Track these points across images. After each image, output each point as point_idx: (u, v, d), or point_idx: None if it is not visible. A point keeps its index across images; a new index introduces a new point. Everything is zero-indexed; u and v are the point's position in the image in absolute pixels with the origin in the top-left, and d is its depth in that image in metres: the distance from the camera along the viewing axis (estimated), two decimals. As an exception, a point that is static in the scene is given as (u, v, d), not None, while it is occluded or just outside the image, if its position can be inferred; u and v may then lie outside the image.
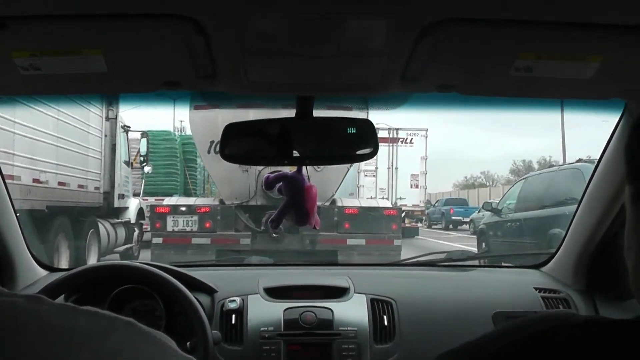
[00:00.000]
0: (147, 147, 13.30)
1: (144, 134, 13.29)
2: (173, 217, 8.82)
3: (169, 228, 8.79)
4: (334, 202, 9.34)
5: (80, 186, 9.85)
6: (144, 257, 10.74)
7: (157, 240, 8.89)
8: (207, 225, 8.75)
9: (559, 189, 9.31)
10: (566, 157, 23.93)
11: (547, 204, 9.51)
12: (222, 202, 9.19)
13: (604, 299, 2.15)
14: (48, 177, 8.53)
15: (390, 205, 10.55)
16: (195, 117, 8.85)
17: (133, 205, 12.86)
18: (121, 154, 11.74)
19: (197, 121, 8.87)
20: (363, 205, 9.72)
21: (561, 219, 8.22)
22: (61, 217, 8.84)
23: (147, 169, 13.73)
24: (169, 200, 9.82)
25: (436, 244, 16.65)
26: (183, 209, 8.92)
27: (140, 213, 13.48)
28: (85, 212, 10.05)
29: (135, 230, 12.73)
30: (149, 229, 14.64)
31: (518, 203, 10.78)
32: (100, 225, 10.46)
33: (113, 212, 11.50)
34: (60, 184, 8.93)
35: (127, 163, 12.49)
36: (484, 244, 11.62)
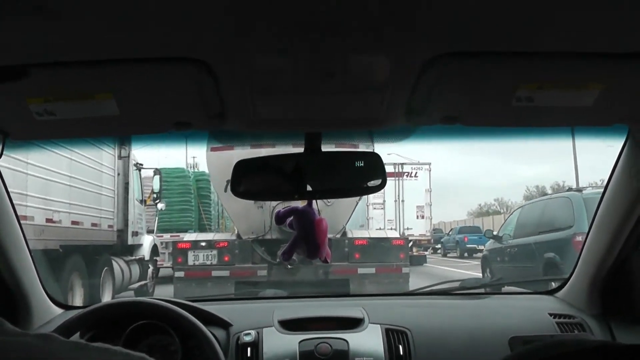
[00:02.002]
0: (160, 184, 13.35)
1: (157, 171, 13.33)
2: (194, 252, 9.25)
3: (190, 262, 9.23)
4: (344, 234, 9.75)
5: (93, 224, 9.81)
6: (159, 293, 10.78)
7: (179, 274, 9.34)
8: (226, 259, 9.19)
9: (551, 216, 9.91)
10: (579, 182, 23.94)
11: (541, 230, 10.05)
12: (239, 236, 9.62)
13: (619, 324, 2.13)
14: (61, 216, 8.51)
15: (398, 236, 10.87)
16: (211, 157, 9.21)
17: (147, 242, 12.80)
18: (134, 192, 11.71)
19: (214, 162, 9.21)
20: (372, 236, 10.11)
21: (553, 244, 9.15)
22: (75, 256, 8.81)
23: (160, 205, 13.73)
24: (189, 236, 10.35)
25: (444, 272, 17.18)
26: (203, 244, 9.35)
27: (154, 250, 13.37)
28: (99, 250, 9.98)
29: (149, 267, 12.66)
30: (164, 265, 14.79)
31: (516, 230, 11.26)
32: (114, 263, 10.42)
33: (127, 250, 11.44)
34: (73, 222, 8.93)
35: (141, 201, 12.44)
36: (487, 270, 12.10)
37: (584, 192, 9.49)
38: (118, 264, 10.60)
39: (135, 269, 11.66)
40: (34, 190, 7.62)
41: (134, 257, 11.77)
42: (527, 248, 10.32)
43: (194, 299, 2.32)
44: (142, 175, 12.73)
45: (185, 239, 9.98)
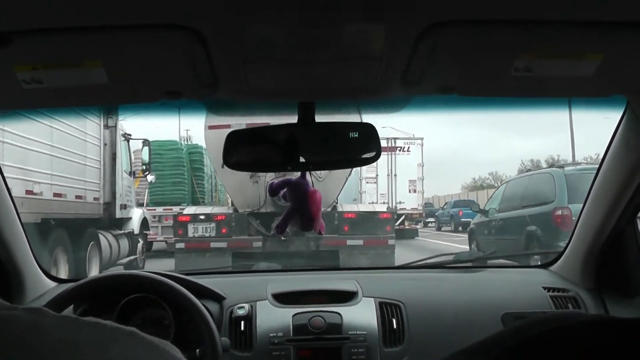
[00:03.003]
0: (150, 156, 13.03)
1: (146, 142, 12.91)
2: (193, 224, 9.88)
3: (190, 234, 9.85)
4: (334, 207, 10.37)
5: (78, 197, 9.55)
6: (153, 267, 10.77)
7: (180, 245, 9.95)
8: (224, 231, 9.84)
9: (534, 191, 10.30)
10: (575, 156, 24.18)
11: (524, 204, 10.47)
12: (235, 210, 10.22)
13: (613, 297, 2.15)
14: (42, 188, 8.24)
15: (385, 209, 11.31)
16: (209, 135, 9.67)
17: (136, 215, 12.56)
18: (122, 163, 11.42)
19: (211, 139, 9.67)
20: (360, 210, 10.76)
21: (535, 218, 9.73)
22: (58, 230, 8.64)
23: (150, 177, 13.61)
24: (188, 210, 10.82)
25: (436, 245, 17.93)
26: (202, 217, 9.98)
27: (144, 223, 13.18)
28: (84, 224, 9.80)
29: (139, 241, 12.45)
30: (157, 239, 14.80)
31: (501, 204, 11.66)
32: (101, 237, 10.21)
33: (115, 223, 11.22)
34: (55, 195, 8.69)
35: (129, 172, 12.17)
36: (474, 243, 12.62)
37: (565, 168, 9.92)
38: (105, 238, 10.41)
39: (124, 243, 11.48)
40: (11, 159, 7.30)
41: (122, 231, 11.55)
42: (511, 221, 10.79)
43: (187, 272, 2.32)
44: (134, 148, 12.59)
45: (185, 212, 10.46)
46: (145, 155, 12.97)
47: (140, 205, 13.80)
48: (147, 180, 13.83)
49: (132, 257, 11.79)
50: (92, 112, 8.90)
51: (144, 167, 13.01)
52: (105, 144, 10.73)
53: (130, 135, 12.09)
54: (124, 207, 11.49)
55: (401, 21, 1.06)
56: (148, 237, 13.87)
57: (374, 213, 10.44)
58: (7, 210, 1.96)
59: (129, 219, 12.10)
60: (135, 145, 12.83)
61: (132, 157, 12.73)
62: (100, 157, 10.60)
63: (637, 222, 2.05)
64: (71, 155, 9.33)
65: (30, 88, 1.22)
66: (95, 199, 10.35)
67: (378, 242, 9.89)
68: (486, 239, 11.94)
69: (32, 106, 1.59)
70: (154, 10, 1.01)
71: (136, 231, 12.33)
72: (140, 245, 12.48)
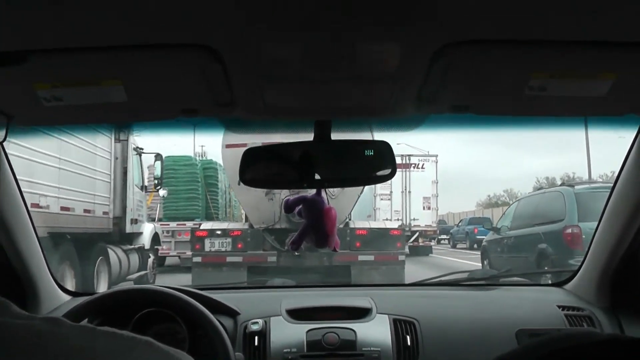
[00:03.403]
0: (162, 170, 12.99)
1: (158, 156, 12.86)
2: (210, 239, 10.21)
3: (207, 248, 10.17)
4: (346, 224, 10.69)
5: (86, 211, 9.41)
6: (166, 282, 10.75)
7: (197, 259, 10.25)
8: (239, 246, 10.14)
9: (545, 209, 10.48)
10: (592, 173, 24.11)
11: (535, 222, 10.60)
12: (251, 226, 10.51)
13: (628, 316, 2.13)
14: (49, 201, 8.15)
15: (396, 226, 11.52)
16: (226, 153, 9.95)
17: (147, 230, 12.46)
18: (133, 177, 11.29)
19: (229, 158, 9.93)
20: (372, 226, 11.09)
21: (545, 236, 9.88)
22: (65, 244, 8.48)
23: (162, 192, 13.57)
24: (205, 225, 11.10)
25: (450, 262, 17.96)
26: (219, 232, 10.30)
27: (156, 238, 13.07)
28: (93, 239, 9.69)
29: (150, 256, 12.33)
30: (170, 254, 14.81)
31: (513, 222, 11.79)
32: (110, 252, 10.08)
33: (125, 238, 11.09)
34: (63, 208, 8.61)
35: (141, 187, 12.07)
36: (486, 260, 12.72)
37: (575, 187, 10.15)
38: (115, 253, 10.30)
39: (135, 258, 11.37)
40: (17, 171, 6.98)
41: (133, 246, 11.44)
42: (523, 239, 10.94)
43: (202, 287, 2.33)
44: (148, 163, 12.60)
45: (202, 227, 10.76)
46: (157, 169, 12.94)
47: (154, 220, 13.74)
48: (159, 195, 13.80)
49: (142, 273, 11.67)
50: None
51: (156, 181, 12.94)
52: (116, 158, 10.69)
53: (142, 149, 12.02)
54: (134, 221, 11.40)
55: (416, 40, 1.07)
56: (160, 252, 13.78)
57: (385, 230, 10.72)
58: (23, 223, 1.98)
59: (140, 233, 11.98)
60: (149, 159, 12.83)
61: (147, 171, 12.74)
62: (111, 170, 10.53)
63: None
64: (80, 169, 9.24)
65: (51, 106, 1.25)
66: (104, 213, 10.27)
67: (389, 258, 10.14)
68: (498, 256, 12.06)
69: (52, 123, 1.61)
70: (172, 29, 1.02)
71: (147, 246, 12.22)
72: (151, 260, 12.37)
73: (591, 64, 1.17)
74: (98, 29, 1.01)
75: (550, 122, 1.66)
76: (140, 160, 12.12)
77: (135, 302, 2.01)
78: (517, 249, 11.13)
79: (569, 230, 9.17)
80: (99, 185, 10.07)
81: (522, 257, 10.61)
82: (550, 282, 2.73)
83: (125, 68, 1.17)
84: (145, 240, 12.23)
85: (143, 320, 1.99)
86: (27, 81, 1.18)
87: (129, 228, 11.04)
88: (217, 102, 1.32)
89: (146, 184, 12.57)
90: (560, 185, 12.55)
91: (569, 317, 2.16)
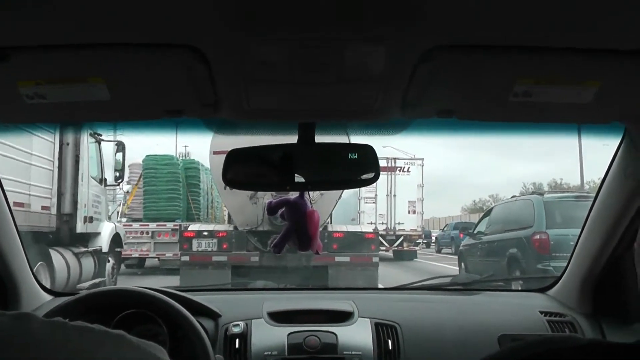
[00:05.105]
0: (124, 160, 11.42)
1: (120, 144, 11.22)
2: (197, 240, 10.65)
3: (194, 248, 10.59)
4: (325, 227, 11.12)
5: (17, 204, 7.53)
6: (149, 284, 10.58)
7: (185, 258, 10.66)
8: (224, 246, 10.62)
9: (516, 216, 10.98)
10: (584, 179, 24.33)
11: (507, 228, 11.16)
12: (235, 228, 10.94)
13: (610, 323, 2.14)
14: None
15: (371, 230, 12.04)
16: (214, 160, 10.16)
17: (106, 230, 10.99)
18: (89, 168, 9.87)
19: (216, 164, 10.09)
20: (348, 229, 11.63)
21: (516, 241, 10.44)
22: None
23: (125, 187, 13.03)
24: (193, 227, 11.47)
25: (434, 267, 17.96)
26: (205, 233, 10.76)
27: (116, 240, 11.58)
28: (28, 239, 7.62)
29: (108, 261, 10.90)
30: (149, 255, 14.68)
31: (488, 227, 12.32)
32: (55, 256, 8.58)
33: (77, 239, 9.67)
34: None
35: (100, 180, 10.71)
36: (462, 264, 13.34)
37: (544, 195, 10.86)
38: (62, 257, 8.92)
39: (88, 263, 10.01)
40: None
41: (86, 249, 10.01)
42: (496, 244, 11.48)
43: (183, 289, 2.31)
44: (110, 152, 11.21)
45: (189, 229, 11.18)
46: (118, 159, 11.35)
47: (139, 221, 13.35)
48: (122, 189, 13.23)
49: (97, 280, 10.21)
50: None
51: (117, 174, 11.49)
52: (67, 143, 9.25)
53: (100, 135, 10.65)
54: (89, 219, 9.95)
55: (402, 44, 1.07)
56: (122, 255, 12.54)
57: (360, 233, 11.41)
58: (4, 222, 1.95)
59: (97, 234, 10.63)
60: (114, 149, 11.30)
61: (112, 163, 11.41)
62: (54, 157, 8.96)
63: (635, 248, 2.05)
64: (6, 149, 7.51)
65: (33, 103, 1.23)
66: (44, 207, 8.73)
67: (363, 259, 10.66)
68: (474, 260, 12.60)
69: (34, 120, 1.59)
70: (157, 29, 1.01)
71: (105, 249, 10.76)
72: (109, 265, 10.96)
73: (576, 71, 1.18)
74: (81, 27, 1.00)
75: (535, 128, 1.67)
76: (100, 149, 10.78)
77: (116, 303, 1.99)
78: (491, 254, 11.66)
79: (537, 237, 9.75)
80: (35, 172, 8.32)
81: (495, 261, 11.13)
82: (531, 287, 2.74)
83: (109, 67, 1.16)
84: (104, 241, 10.79)
85: (124, 321, 1.97)
86: (10, 78, 1.17)
87: (80, 227, 9.60)
88: (201, 102, 1.31)
89: (106, 176, 11.21)
90: (531, 193, 13.48)
91: (551, 323, 2.16)
